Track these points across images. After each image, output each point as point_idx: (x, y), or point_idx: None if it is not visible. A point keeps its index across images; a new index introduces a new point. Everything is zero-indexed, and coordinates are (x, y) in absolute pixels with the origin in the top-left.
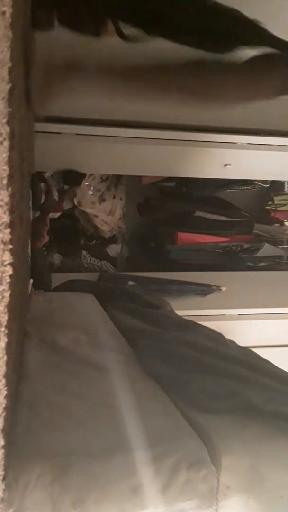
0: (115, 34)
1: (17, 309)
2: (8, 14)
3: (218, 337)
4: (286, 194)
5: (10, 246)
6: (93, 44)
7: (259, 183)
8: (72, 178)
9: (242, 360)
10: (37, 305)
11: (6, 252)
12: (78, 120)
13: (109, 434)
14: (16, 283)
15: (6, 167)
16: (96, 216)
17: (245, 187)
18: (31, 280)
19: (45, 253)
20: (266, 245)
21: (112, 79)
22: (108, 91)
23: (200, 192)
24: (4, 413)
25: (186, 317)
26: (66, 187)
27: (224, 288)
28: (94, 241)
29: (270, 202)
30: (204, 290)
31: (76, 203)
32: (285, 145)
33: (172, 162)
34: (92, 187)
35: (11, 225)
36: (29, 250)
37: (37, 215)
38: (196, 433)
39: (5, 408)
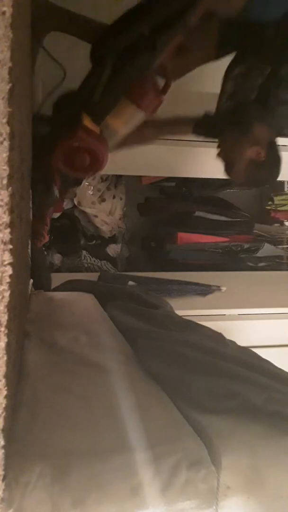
0: None
1: (17, 309)
2: (8, 14)
3: (218, 337)
4: (286, 194)
5: (10, 246)
6: None
7: None
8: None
9: (242, 360)
10: (37, 305)
11: (6, 252)
12: None
13: (109, 434)
14: (16, 283)
15: (6, 167)
16: (96, 216)
17: (245, 187)
18: (31, 280)
19: (45, 253)
20: (266, 245)
21: None
22: None
23: (200, 192)
24: (4, 413)
25: (186, 317)
26: None
27: (224, 288)
28: (94, 241)
29: (270, 202)
30: (204, 290)
31: (76, 203)
32: (285, 145)
33: (172, 162)
34: (92, 187)
35: (11, 225)
36: (29, 250)
37: (37, 215)
38: (196, 433)
39: (5, 408)
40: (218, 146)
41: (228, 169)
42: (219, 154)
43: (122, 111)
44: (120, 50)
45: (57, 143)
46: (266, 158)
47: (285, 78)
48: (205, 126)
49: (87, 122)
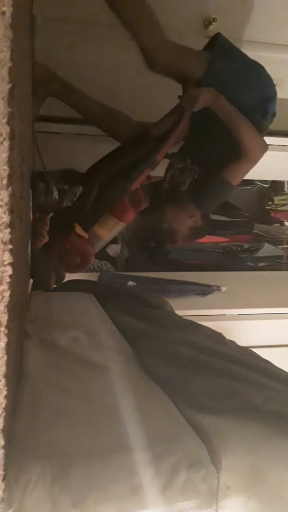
0: None
1: (17, 309)
2: (8, 14)
3: (218, 337)
4: (286, 194)
5: (10, 246)
6: None
7: (259, 183)
8: (72, 178)
9: (242, 360)
10: (37, 305)
11: (6, 252)
12: (78, 120)
13: (109, 434)
14: (16, 283)
15: (6, 167)
16: None
17: (245, 187)
18: (31, 280)
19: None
20: (266, 245)
21: None
22: None
23: None
24: (4, 413)
25: (186, 317)
26: (66, 187)
27: (224, 288)
28: None
29: (270, 202)
30: (204, 290)
31: None
32: (285, 145)
33: None
34: None
35: (11, 225)
36: (29, 250)
37: (37, 215)
38: (196, 433)
39: (5, 408)
40: (163, 219)
41: (172, 236)
42: (165, 225)
43: (106, 222)
44: (104, 178)
45: (54, 246)
46: (201, 223)
47: (207, 187)
48: (159, 196)
49: (78, 230)
